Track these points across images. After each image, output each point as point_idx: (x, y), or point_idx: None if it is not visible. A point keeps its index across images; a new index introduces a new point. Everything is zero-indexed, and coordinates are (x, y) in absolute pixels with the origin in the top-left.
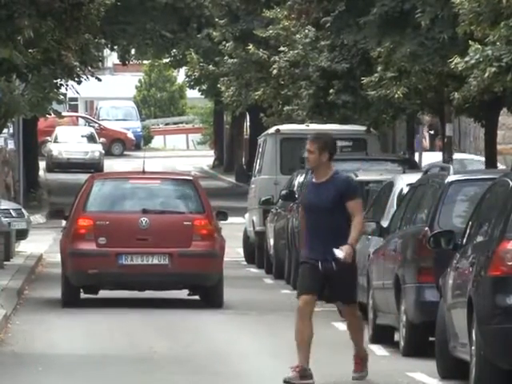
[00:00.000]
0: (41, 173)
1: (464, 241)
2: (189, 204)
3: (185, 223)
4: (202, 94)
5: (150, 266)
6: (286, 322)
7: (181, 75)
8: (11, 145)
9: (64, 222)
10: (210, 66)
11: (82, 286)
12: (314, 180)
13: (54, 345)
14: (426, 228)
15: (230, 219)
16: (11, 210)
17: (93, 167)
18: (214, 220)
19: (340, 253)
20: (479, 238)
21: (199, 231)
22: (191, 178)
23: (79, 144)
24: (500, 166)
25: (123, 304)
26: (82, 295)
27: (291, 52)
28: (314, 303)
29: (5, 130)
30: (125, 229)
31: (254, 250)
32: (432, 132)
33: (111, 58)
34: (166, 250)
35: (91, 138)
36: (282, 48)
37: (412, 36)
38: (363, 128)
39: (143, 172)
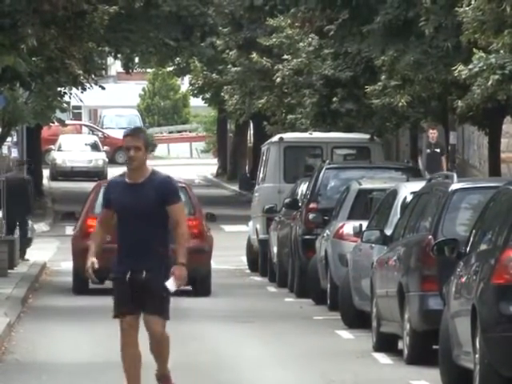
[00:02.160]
0: (44, 181)
1: (468, 249)
2: None
3: None
4: (205, 103)
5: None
6: (289, 330)
7: (185, 83)
8: (15, 153)
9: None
10: (214, 74)
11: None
12: (127, 180)
13: (57, 353)
14: (430, 236)
15: (234, 227)
16: None
17: (96, 175)
18: (204, 221)
19: (172, 285)
20: (483, 246)
21: (191, 230)
22: (184, 184)
23: (83, 152)
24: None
25: None
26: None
27: (295, 60)
28: (134, 323)
29: (8, 139)
30: None
31: (258, 258)
32: (438, 150)
33: (115, 66)
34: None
35: (95, 147)
36: (285, 56)
37: (416, 44)
38: (367, 136)
39: None
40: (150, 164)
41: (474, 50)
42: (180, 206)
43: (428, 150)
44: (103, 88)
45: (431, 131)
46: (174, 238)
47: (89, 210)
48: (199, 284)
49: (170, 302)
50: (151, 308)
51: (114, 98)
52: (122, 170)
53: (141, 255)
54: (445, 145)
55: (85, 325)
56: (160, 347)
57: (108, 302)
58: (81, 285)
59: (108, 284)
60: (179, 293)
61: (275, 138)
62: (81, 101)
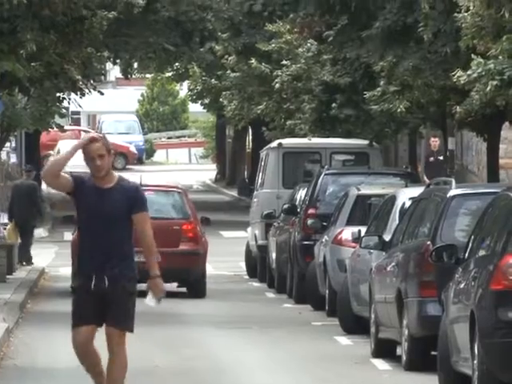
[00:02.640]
0: (43, 186)
1: (466, 255)
2: (178, 211)
3: (174, 227)
4: (204, 108)
5: (145, 262)
6: (288, 336)
7: (184, 89)
8: (13, 158)
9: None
10: (213, 79)
11: None
12: (96, 184)
13: (56, 358)
14: (429, 242)
15: (232, 233)
16: None
17: None
18: (199, 225)
19: (151, 301)
20: (481, 252)
21: (186, 234)
22: (180, 190)
23: (81, 158)
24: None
25: None
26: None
27: (294, 66)
28: (92, 334)
29: (7, 144)
30: None
31: (256, 264)
32: (441, 158)
33: (114, 71)
34: (158, 250)
35: None
36: (284, 62)
37: (415, 50)
38: (365, 142)
39: (140, 184)
40: (150, 169)
41: (473, 55)
42: (146, 215)
43: (431, 159)
44: (102, 93)
45: (433, 139)
46: (143, 250)
47: None
48: (194, 286)
49: (134, 314)
50: (111, 318)
51: (113, 104)
52: (121, 175)
53: (105, 261)
54: (443, 151)
55: None
56: (117, 361)
57: None
58: None
59: None
60: (177, 295)
61: (274, 144)
62: (79, 106)
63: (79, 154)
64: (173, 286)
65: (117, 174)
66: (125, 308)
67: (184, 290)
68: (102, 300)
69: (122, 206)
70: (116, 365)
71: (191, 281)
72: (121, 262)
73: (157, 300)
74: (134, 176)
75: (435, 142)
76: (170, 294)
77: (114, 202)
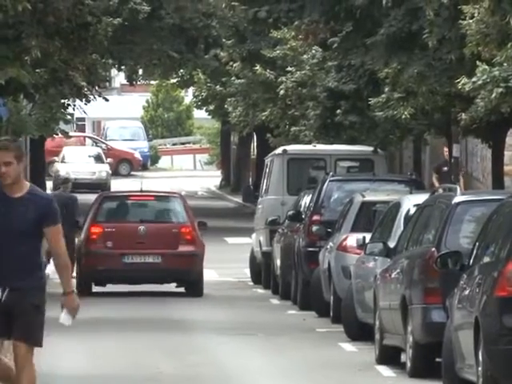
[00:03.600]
0: (48, 193)
1: (471, 261)
2: (176, 215)
3: (173, 230)
4: (209, 115)
5: (146, 263)
6: (292, 342)
7: (189, 95)
8: None
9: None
10: (217, 86)
11: (94, 279)
12: (5, 193)
13: (57, 365)
14: (433, 249)
15: (237, 239)
16: None
17: (100, 187)
18: (196, 228)
19: (66, 319)
20: (486, 259)
21: (184, 237)
22: (178, 195)
23: (86, 164)
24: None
25: (128, 325)
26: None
27: (298, 72)
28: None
29: None
30: (127, 235)
31: (261, 271)
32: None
33: (118, 78)
34: (158, 251)
35: (98, 158)
36: (289, 68)
37: (419, 57)
38: (370, 148)
39: (141, 191)
40: (155, 176)
41: (478, 62)
42: (58, 229)
43: (445, 168)
44: (107, 100)
45: (446, 149)
46: (56, 265)
47: (93, 219)
48: (192, 286)
49: (43, 326)
50: (17, 332)
51: (118, 110)
52: (125, 181)
53: (11, 274)
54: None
55: (85, 337)
56: (25, 377)
57: (110, 313)
58: (85, 288)
59: (111, 287)
60: (178, 300)
61: (279, 150)
62: (84, 112)
63: (82, 163)
64: (171, 287)
65: (28, 183)
66: (32, 321)
67: (182, 290)
68: (9, 313)
69: (30, 216)
70: (24, 381)
71: (189, 281)
72: (28, 274)
73: (72, 317)
74: (136, 182)
75: (447, 152)
76: (171, 295)
77: (22, 213)
